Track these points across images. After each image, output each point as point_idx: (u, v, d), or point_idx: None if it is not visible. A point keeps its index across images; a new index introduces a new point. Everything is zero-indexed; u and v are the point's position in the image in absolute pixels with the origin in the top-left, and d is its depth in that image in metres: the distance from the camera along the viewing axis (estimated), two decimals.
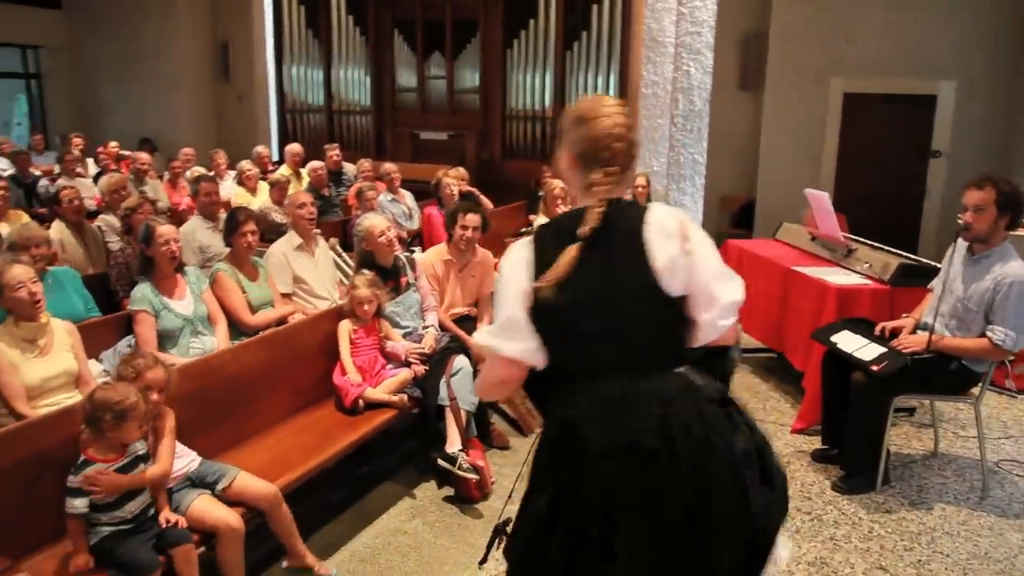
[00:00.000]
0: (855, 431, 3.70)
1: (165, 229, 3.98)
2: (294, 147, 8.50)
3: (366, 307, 4.11)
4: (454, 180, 6.52)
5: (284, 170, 8.28)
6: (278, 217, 6.67)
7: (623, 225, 1.82)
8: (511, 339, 1.82)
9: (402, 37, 10.43)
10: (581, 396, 1.80)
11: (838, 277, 4.37)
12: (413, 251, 5.54)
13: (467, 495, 4.01)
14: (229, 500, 2.97)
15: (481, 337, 1.91)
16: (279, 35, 11.10)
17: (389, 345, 4.20)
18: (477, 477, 3.93)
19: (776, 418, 4.48)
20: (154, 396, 2.90)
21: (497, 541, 2.78)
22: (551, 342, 1.81)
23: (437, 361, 4.15)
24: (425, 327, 4.38)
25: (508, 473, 4.29)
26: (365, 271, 4.31)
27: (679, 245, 1.79)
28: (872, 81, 8.27)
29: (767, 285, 4.80)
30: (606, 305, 1.79)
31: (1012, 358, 4.21)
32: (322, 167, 7.59)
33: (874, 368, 3.46)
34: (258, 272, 4.51)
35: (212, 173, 7.09)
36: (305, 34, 10.95)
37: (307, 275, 4.73)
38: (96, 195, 7.37)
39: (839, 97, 8.49)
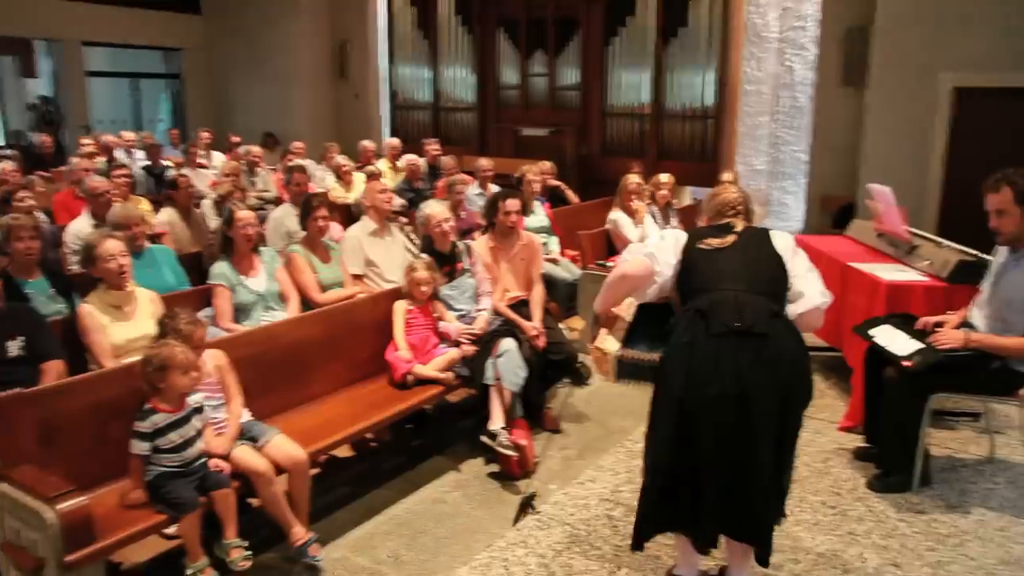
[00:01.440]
0: (889, 429, 3.64)
1: (244, 214, 4.38)
2: (392, 141, 8.92)
3: (423, 288, 4.37)
4: (537, 175, 6.70)
5: (383, 163, 8.72)
6: (385, 208, 7.09)
7: (756, 230, 2.84)
8: (663, 255, 2.76)
9: (506, 36, 10.71)
10: (709, 297, 2.60)
11: (893, 273, 4.28)
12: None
13: (509, 472, 4.20)
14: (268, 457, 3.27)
15: (643, 246, 2.95)
16: (391, 35, 11.62)
17: (442, 325, 4.45)
18: (516, 455, 4.11)
19: (827, 415, 4.43)
20: (203, 350, 3.28)
21: (523, 511, 3.33)
22: (698, 271, 2.69)
23: (486, 343, 4.37)
24: (478, 310, 4.60)
25: (554, 455, 4.46)
26: (424, 256, 4.58)
27: (789, 248, 2.79)
28: (985, 75, 7.84)
29: (827, 282, 4.71)
30: (744, 261, 2.68)
31: None
32: (416, 160, 7.94)
33: (905, 363, 3.40)
34: (330, 255, 4.86)
35: (302, 163, 7.55)
36: (415, 34, 11.42)
37: (379, 258, 5.04)
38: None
39: (948, 92, 8.09)
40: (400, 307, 4.37)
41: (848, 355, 4.48)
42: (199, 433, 3.09)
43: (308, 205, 4.69)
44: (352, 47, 12.37)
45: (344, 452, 4.45)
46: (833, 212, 9.50)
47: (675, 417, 2.61)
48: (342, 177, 7.75)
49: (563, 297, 6.34)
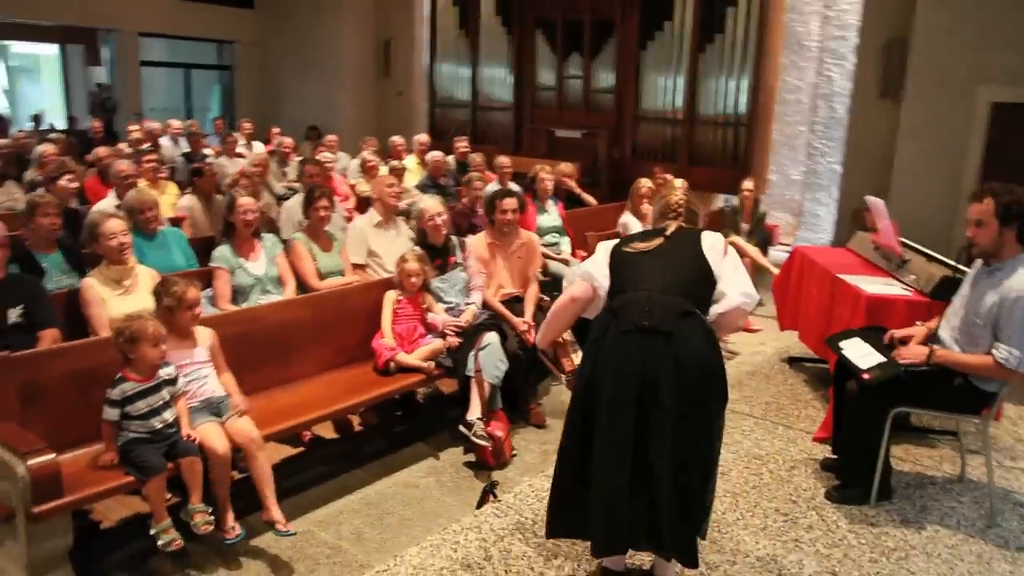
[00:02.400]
0: (849, 441, 3.65)
1: (245, 200, 4.59)
2: (421, 137, 9.11)
3: (413, 280, 4.51)
4: (549, 175, 6.80)
5: (411, 159, 8.91)
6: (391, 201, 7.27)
7: (687, 231, 2.88)
8: (598, 269, 2.84)
9: (544, 37, 10.81)
10: (623, 298, 2.71)
11: (877, 286, 4.26)
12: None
13: (483, 461, 4.32)
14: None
15: (579, 267, 3.07)
16: (433, 34, 11.81)
17: (430, 317, 4.58)
18: (488, 445, 4.23)
19: (806, 425, 4.43)
20: (196, 311, 3.49)
21: (484, 498, 3.49)
22: (619, 274, 2.78)
23: (470, 335, 4.49)
24: (467, 304, 4.73)
25: (533, 448, 4.56)
26: (417, 248, 4.72)
27: (720, 251, 2.81)
28: None
29: (818, 292, 4.74)
30: (665, 263, 2.75)
31: None
32: (442, 157, 8.11)
33: (864, 376, 3.41)
34: (332, 244, 5.04)
35: (331, 156, 7.76)
36: (457, 34, 11.60)
37: (381, 249, 5.19)
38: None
39: (985, 107, 7.92)
40: (390, 297, 4.52)
41: (831, 366, 4.47)
42: (167, 403, 3.27)
43: (310, 195, 4.88)
44: (396, 46, 12.62)
45: (329, 433, 4.64)
46: (863, 225, 9.37)
47: (580, 412, 2.74)
48: (367, 171, 7.94)
49: None
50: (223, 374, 3.63)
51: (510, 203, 4.92)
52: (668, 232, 2.84)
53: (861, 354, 3.57)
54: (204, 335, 3.63)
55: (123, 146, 7.67)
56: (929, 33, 8.16)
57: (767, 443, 4.19)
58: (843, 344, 3.71)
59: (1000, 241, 3.26)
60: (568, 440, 2.82)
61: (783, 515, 3.48)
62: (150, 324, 3.17)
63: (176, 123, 10.24)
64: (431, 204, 4.81)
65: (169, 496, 3.41)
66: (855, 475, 3.62)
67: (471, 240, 5.06)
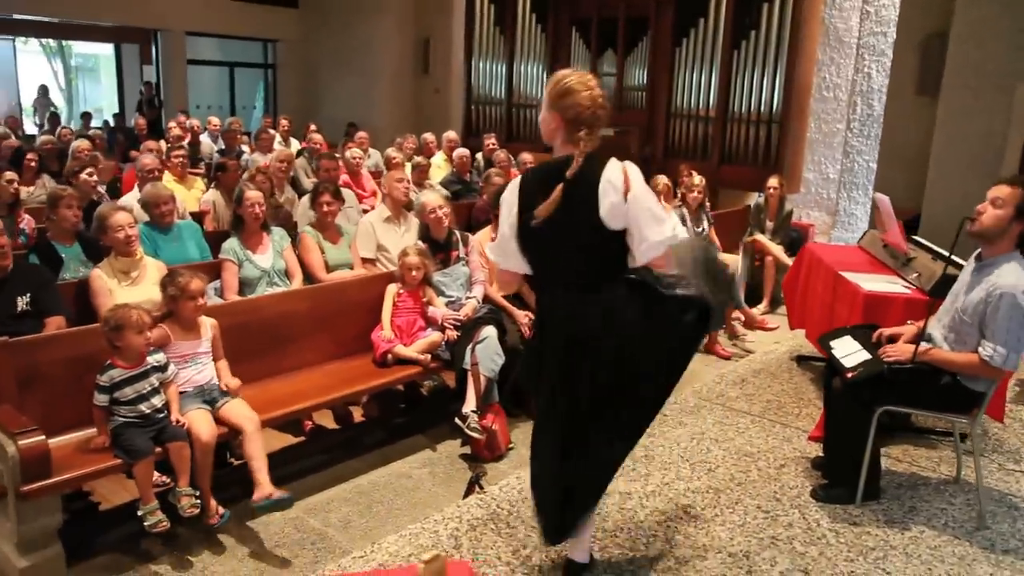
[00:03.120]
0: (834, 439, 3.59)
1: (253, 194, 4.71)
2: (449, 134, 9.19)
3: (414, 273, 4.57)
4: None
5: (439, 155, 8.99)
6: (413, 196, 7.37)
7: (589, 177, 2.46)
8: (504, 257, 2.66)
9: (579, 34, 10.80)
10: (547, 300, 2.66)
11: (877, 284, 4.18)
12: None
13: (478, 453, 4.37)
14: (220, 418, 3.55)
15: (488, 252, 2.80)
16: (470, 32, 11.88)
17: (431, 310, 4.64)
18: (481, 437, 4.27)
19: (803, 424, 4.36)
20: (200, 301, 3.60)
21: (470, 489, 3.54)
22: (531, 258, 2.61)
23: (468, 329, 4.54)
24: (468, 298, 4.77)
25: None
26: (419, 242, 4.79)
27: (621, 195, 2.44)
28: None
29: (822, 290, 4.66)
30: (564, 235, 2.48)
31: None
32: (468, 154, 8.17)
33: (848, 375, 3.36)
34: (340, 237, 5.13)
35: (359, 152, 7.87)
36: (493, 31, 11.65)
37: (390, 244, 5.28)
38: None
39: None
40: (391, 290, 4.59)
41: None
42: (156, 389, 3.39)
43: (315, 191, 4.99)
44: (435, 43, 12.74)
45: (330, 423, 4.74)
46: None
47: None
48: (392, 168, 8.03)
49: None
50: (218, 361, 3.75)
51: None
52: (571, 173, 2.44)
53: (848, 352, 3.51)
54: (207, 325, 3.75)
55: (162, 143, 7.92)
56: (969, 28, 7.91)
57: (760, 440, 4.14)
58: (833, 343, 3.65)
59: (1003, 230, 3.15)
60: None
61: (764, 512, 3.45)
62: (134, 312, 3.29)
63: (215, 120, 10.51)
64: (432, 198, 4.88)
65: (167, 480, 3.54)
66: (841, 474, 3.56)
67: (476, 235, 5.10)
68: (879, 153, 9.16)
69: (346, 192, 6.36)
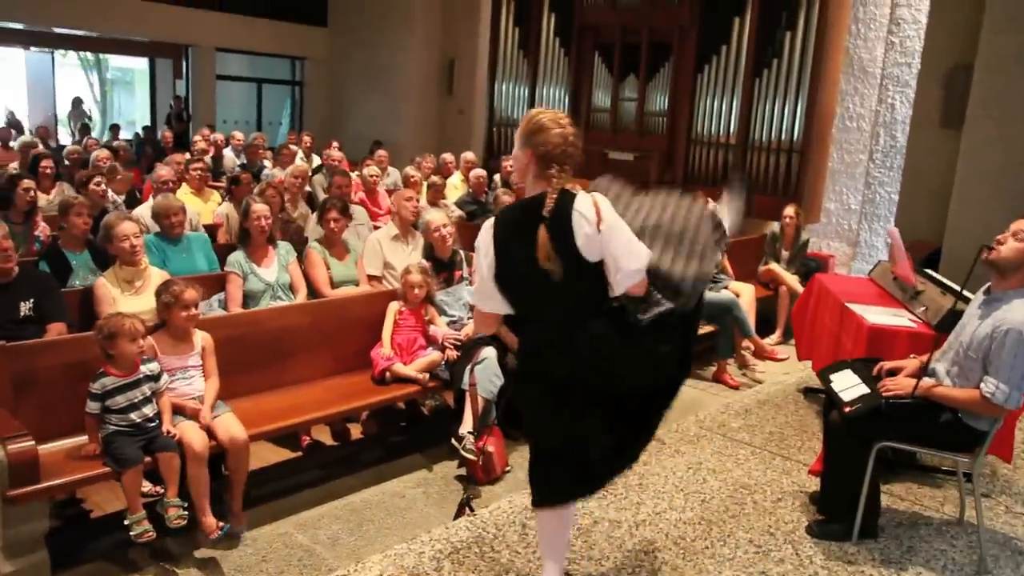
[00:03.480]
0: (830, 474, 3.51)
1: (259, 208, 4.75)
2: (467, 155, 9.24)
3: (416, 291, 4.57)
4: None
5: (456, 175, 9.03)
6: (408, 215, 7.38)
7: (564, 211, 2.44)
8: (484, 299, 2.60)
9: (601, 59, 10.82)
10: (533, 338, 2.60)
11: (882, 317, 4.10)
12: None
13: (473, 475, 4.33)
14: (210, 431, 3.56)
15: (469, 297, 2.72)
16: (494, 54, 11.96)
17: (432, 329, 4.63)
18: (476, 459, 4.23)
19: (805, 457, 4.27)
20: (193, 311, 3.61)
21: (460, 511, 3.51)
22: (512, 298, 2.55)
23: (468, 349, 4.52)
24: (469, 318, 4.76)
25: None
26: (422, 260, 4.79)
27: (594, 227, 2.41)
28: None
29: (829, 322, 4.59)
30: (547, 272, 2.44)
31: None
32: (483, 175, 8.20)
33: (845, 409, 3.29)
34: (347, 254, 5.16)
35: (376, 170, 7.92)
36: (517, 54, 11.71)
37: (397, 262, 5.28)
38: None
39: None
40: (392, 307, 4.60)
41: None
42: (148, 398, 3.40)
43: (323, 207, 5.02)
44: (460, 64, 12.84)
45: (328, 439, 4.73)
46: (920, 258, 8.99)
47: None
48: (409, 187, 8.08)
49: None
50: (210, 378, 3.74)
51: None
52: (548, 212, 2.42)
53: (847, 386, 3.45)
54: (199, 338, 3.77)
55: (185, 155, 8.04)
56: (994, 58, 7.81)
57: (759, 473, 4.06)
58: (833, 376, 3.59)
59: (1021, 265, 3.09)
60: None
61: (756, 547, 3.37)
62: (127, 320, 3.31)
63: (239, 135, 10.65)
64: (436, 216, 4.88)
65: (160, 490, 3.53)
66: (838, 510, 3.48)
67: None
68: (902, 184, 9.06)
69: (358, 209, 6.41)
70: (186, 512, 3.39)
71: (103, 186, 5.61)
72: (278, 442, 4.48)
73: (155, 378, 3.47)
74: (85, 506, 3.85)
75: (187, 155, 9.34)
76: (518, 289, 2.54)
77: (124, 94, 19.09)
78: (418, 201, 5.52)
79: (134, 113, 18.15)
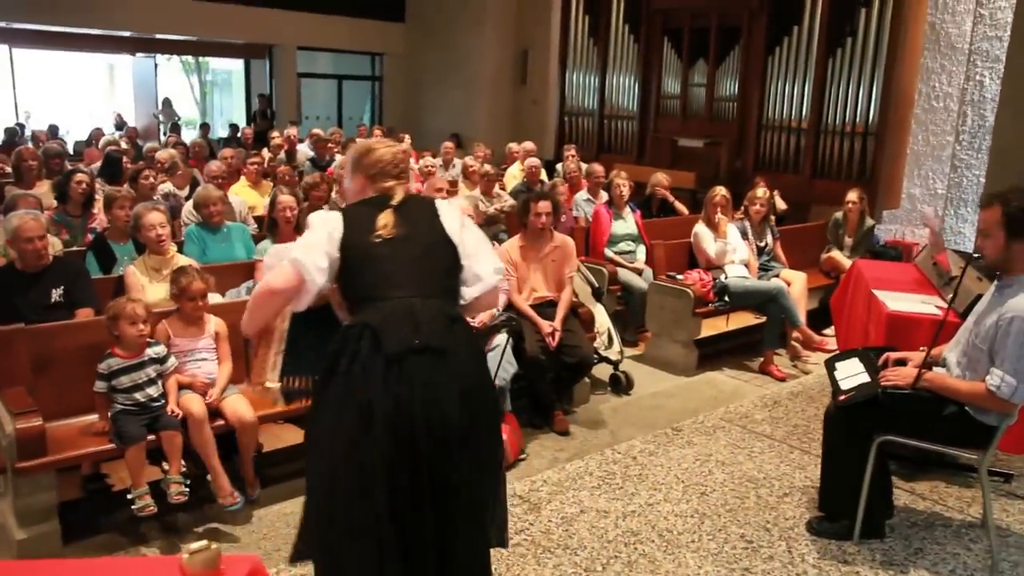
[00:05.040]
0: (828, 468, 3.33)
1: (285, 199, 4.89)
2: (527, 144, 9.21)
3: None
4: (624, 181, 6.68)
5: (516, 165, 9.03)
6: (481, 206, 7.43)
7: (418, 201, 2.48)
8: (313, 258, 2.24)
9: (671, 45, 10.60)
10: (378, 310, 2.21)
11: (906, 304, 3.86)
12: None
13: None
14: (220, 411, 3.69)
15: (290, 251, 2.30)
16: (564, 43, 11.89)
17: None
18: None
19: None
20: (200, 302, 3.76)
21: None
22: (358, 275, 2.27)
23: (483, 337, 4.51)
24: None
25: (547, 455, 4.52)
26: None
27: (461, 221, 2.42)
28: None
29: (860, 309, 4.36)
30: (412, 254, 2.30)
31: None
32: (537, 164, 8.17)
33: (840, 398, 3.12)
34: None
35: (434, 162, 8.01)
36: (587, 42, 11.61)
37: None
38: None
39: None
40: None
41: None
42: (152, 380, 3.56)
43: None
44: (534, 55, 12.83)
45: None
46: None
47: (353, 461, 2.15)
48: (468, 177, 8.14)
49: (638, 307, 6.29)
50: (223, 362, 3.88)
51: (544, 206, 4.91)
52: (396, 202, 2.35)
53: (848, 375, 3.27)
54: (212, 324, 3.91)
55: (238, 151, 8.38)
56: None
57: (771, 466, 3.91)
58: (838, 364, 3.41)
59: (1008, 255, 2.88)
60: (345, 500, 2.18)
61: (747, 542, 3.24)
62: (129, 304, 3.47)
63: (317, 131, 10.97)
64: (460, 204, 4.88)
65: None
66: (838, 507, 3.31)
67: (503, 244, 5.08)
68: (988, 167, 8.48)
69: None
70: (187, 489, 3.53)
71: (151, 180, 5.90)
72: (299, 423, 4.60)
73: (160, 360, 3.63)
74: (108, 481, 4.06)
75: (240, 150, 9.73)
76: (370, 264, 2.40)
77: (223, 94, 19.99)
78: (449, 193, 5.53)
79: (232, 112, 18.99)
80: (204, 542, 1.72)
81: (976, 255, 3.04)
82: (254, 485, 3.82)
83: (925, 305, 3.89)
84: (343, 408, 2.16)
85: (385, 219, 2.29)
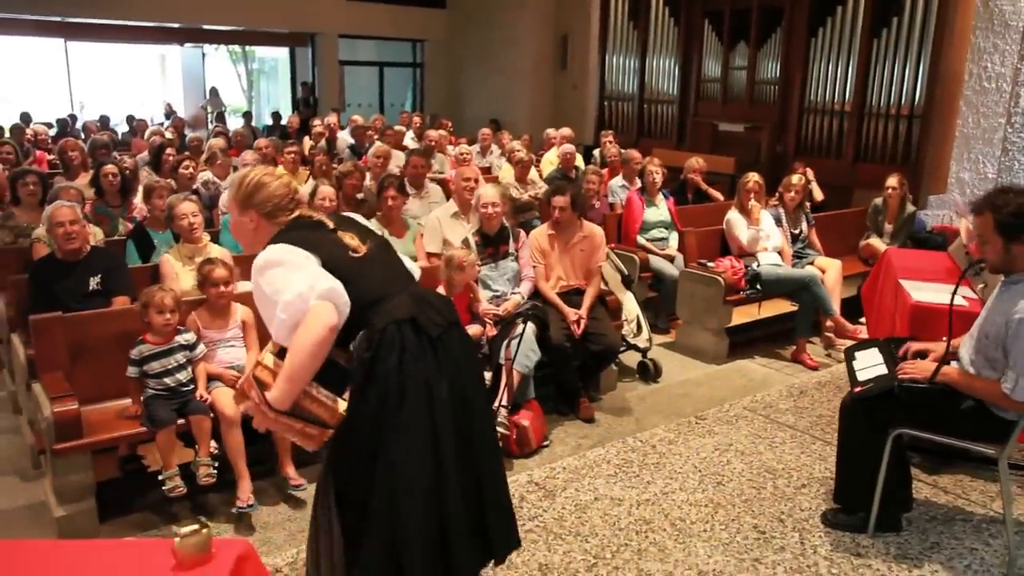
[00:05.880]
0: (843, 461, 3.30)
1: (326, 190, 5.11)
2: (564, 131, 9.19)
3: (459, 275, 4.58)
4: (657, 167, 6.64)
5: (553, 151, 9.02)
6: (514, 192, 7.46)
7: (342, 217, 2.55)
8: (334, 286, 2.15)
9: (711, 27, 10.45)
10: (397, 306, 2.26)
11: (931, 294, 3.79)
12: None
13: (508, 449, 4.38)
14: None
15: (292, 290, 2.13)
16: (604, 27, 11.81)
17: (476, 305, 4.70)
18: (506, 432, 4.28)
19: None
20: (223, 288, 3.87)
21: None
22: (354, 288, 2.21)
23: (507, 324, 4.56)
24: (513, 293, 4.80)
25: (570, 441, 4.56)
26: (461, 243, 4.85)
27: None
28: None
29: (889, 299, 4.29)
30: (379, 252, 2.41)
31: None
32: (571, 150, 8.14)
33: (856, 389, 3.09)
34: (406, 231, 5.32)
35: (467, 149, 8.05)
36: (627, 25, 11.51)
37: (456, 239, 5.39)
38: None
39: None
40: None
41: None
42: (182, 365, 3.69)
43: (380, 186, 5.19)
44: (573, 39, 12.76)
45: None
46: None
47: (428, 449, 2.25)
48: (511, 161, 8.11)
49: (669, 294, 6.26)
50: (251, 350, 3.99)
51: (559, 200, 4.94)
52: (333, 224, 2.37)
53: (866, 365, 3.24)
54: (239, 313, 4.03)
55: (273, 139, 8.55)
56: None
57: (791, 457, 3.89)
58: (857, 354, 3.38)
59: (1009, 257, 2.85)
60: (419, 498, 2.24)
61: (759, 532, 3.24)
62: (158, 293, 3.60)
63: (357, 118, 11.09)
64: (487, 192, 4.89)
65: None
66: (853, 500, 3.28)
67: (533, 232, 5.11)
68: None
69: (433, 187, 6.56)
70: (215, 471, 3.66)
71: (191, 170, 6.06)
72: None
73: (190, 347, 3.75)
74: (145, 462, 4.22)
75: (304, 139, 9.89)
76: (365, 272, 2.34)
77: (270, 82, 20.30)
78: (477, 181, 5.57)
79: (279, 100, 19.28)
80: (195, 526, 1.80)
81: (979, 261, 3.00)
82: (294, 478, 3.86)
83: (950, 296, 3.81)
84: (399, 406, 2.19)
85: (348, 239, 2.31)
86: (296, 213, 2.38)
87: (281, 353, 2.17)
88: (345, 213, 2.69)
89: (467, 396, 2.34)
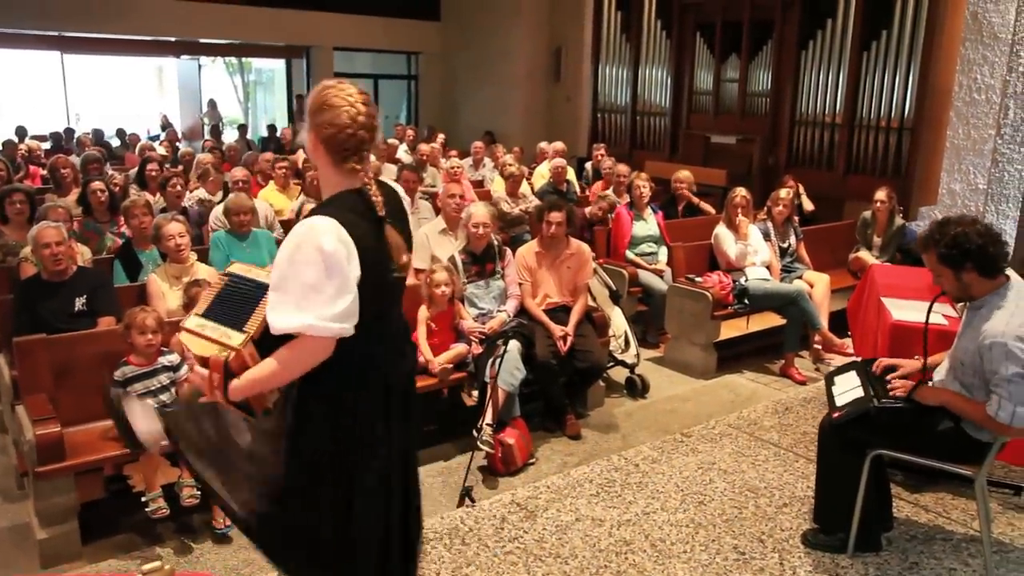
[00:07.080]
0: (822, 483, 3.30)
1: (312, 207, 5.00)
2: (557, 144, 9.22)
3: (440, 291, 4.60)
4: (645, 183, 6.66)
5: (544, 164, 9.05)
6: (505, 206, 7.48)
7: (393, 201, 2.27)
8: (347, 317, 1.97)
9: (703, 39, 10.50)
10: (379, 332, 2.12)
11: (914, 313, 3.80)
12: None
13: (493, 467, 4.40)
14: None
15: (321, 346, 1.97)
16: (597, 40, 11.86)
17: (461, 324, 4.72)
18: (492, 451, 4.29)
19: None
20: None
21: (461, 500, 3.63)
22: (370, 302, 2.03)
23: (492, 342, 4.58)
24: (499, 311, 4.81)
25: (556, 459, 4.57)
26: (444, 261, 4.87)
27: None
28: None
29: (872, 316, 4.30)
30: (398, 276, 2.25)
31: None
32: (562, 164, 8.18)
33: (835, 415, 3.10)
34: None
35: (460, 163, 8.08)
36: (619, 38, 11.56)
37: (443, 256, 5.41)
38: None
39: None
40: (422, 315, 4.63)
41: None
42: (165, 387, 3.70)
43: None
44: (567, 52, 12.81)
45: None
46: None
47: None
48: (503, 176, 8.13)
49: (658, 309, 6.28)
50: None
51: (555, 216, 4.96)
52: (381, 212, 2.19)
53: (845, 389, 3.24)
54: None
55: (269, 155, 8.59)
56: None
57: (774, 476, 3.89)
58: (836, 379, 3.39)
59: (963, 285, 2.90)
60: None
61: (739, 553, 3.25)
62: (140, 314, 3.62)
63: None
64: (478, 212, 4.91)
65: None
66: (832, 520, 3.28)
67: (520, 249, 5.13)
68: None
69: (423, 203, 6.59)
70: (199, 491, 3.66)
71: (179, 188, 6.08)
72: None
73: (174, 368, 3.77)
74: (130, 482, 4.23)
75: (297, 152, 9.89)
76: (376, 299, 2.08)
77: (267, 93, 20.35)
78: (462, 197, 5.59)
79: (274, 112, 19.33)
80: (158, 563, 1.81)
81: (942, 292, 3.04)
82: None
83: (933, 314, 3.82)
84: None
85: (394, 244, 2.15)
86: (359, 172, 2.11)
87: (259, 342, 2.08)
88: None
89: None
